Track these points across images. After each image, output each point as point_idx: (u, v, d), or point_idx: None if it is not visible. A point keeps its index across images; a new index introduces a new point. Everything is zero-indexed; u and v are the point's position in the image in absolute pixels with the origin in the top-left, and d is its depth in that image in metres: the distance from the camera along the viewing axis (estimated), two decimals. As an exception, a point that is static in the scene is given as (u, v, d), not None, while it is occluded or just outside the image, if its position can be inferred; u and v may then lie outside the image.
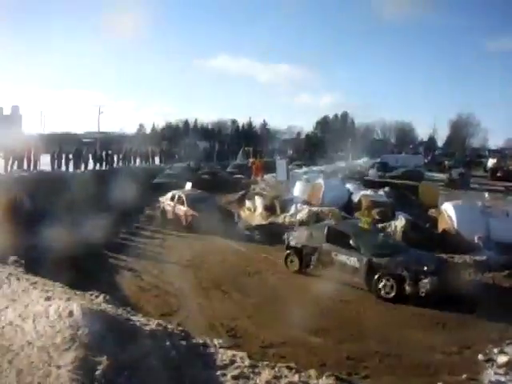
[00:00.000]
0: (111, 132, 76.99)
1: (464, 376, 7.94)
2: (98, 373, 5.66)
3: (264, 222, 19.89)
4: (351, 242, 12.77)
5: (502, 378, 7.76)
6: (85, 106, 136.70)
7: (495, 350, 8.83)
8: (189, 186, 23.23)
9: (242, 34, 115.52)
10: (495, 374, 7.92)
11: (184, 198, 20.43)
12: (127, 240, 17.44)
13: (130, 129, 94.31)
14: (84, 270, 12.79)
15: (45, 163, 27.69)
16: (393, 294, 11.64)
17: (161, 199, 21.81)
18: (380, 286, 11.83)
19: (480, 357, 8.61)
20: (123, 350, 6.34)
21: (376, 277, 11.92)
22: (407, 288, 11.51)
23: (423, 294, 11.33)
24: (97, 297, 9.35)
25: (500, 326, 10.20)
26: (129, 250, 15.89)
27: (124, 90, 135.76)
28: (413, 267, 11.78)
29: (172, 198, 21.02)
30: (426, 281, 11.39)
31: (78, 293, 8.89)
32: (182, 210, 20.06)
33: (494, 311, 10.87)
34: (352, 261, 12.48)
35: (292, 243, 14.28)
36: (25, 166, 26.08)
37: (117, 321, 7.36)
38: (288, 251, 14.28)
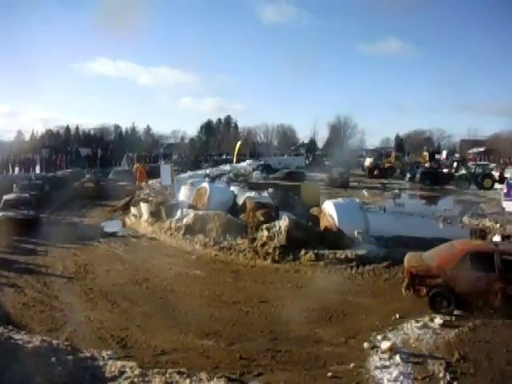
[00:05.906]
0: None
1: (352, 365, 8.27)
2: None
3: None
4: None
5: (387, 363, 8.19)
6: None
7: (379, 337, 9.33)
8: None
9: (120, 36, 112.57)
10: (380, 359, 8.33)
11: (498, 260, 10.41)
12: (8, 254, 16.17)
13: (8, 136, 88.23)
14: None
15: None
16: None
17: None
18: None
19: (365, 345, 9.02)
20: (4, 371, 5.99)
21: None
22: None
23: None
24: (-26, 316, 8.76)
25: (382, 313, 10.76)
26: (10, 264, 14.76)
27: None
28: None
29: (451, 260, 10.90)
30: None
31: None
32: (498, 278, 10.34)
33: (376, 301, 11.47)
34: None
35: None
36: None
37: (-3, 340, 6.94)
38: None
